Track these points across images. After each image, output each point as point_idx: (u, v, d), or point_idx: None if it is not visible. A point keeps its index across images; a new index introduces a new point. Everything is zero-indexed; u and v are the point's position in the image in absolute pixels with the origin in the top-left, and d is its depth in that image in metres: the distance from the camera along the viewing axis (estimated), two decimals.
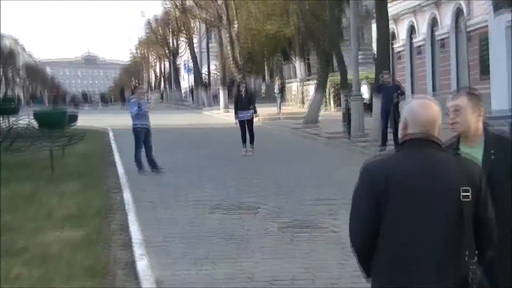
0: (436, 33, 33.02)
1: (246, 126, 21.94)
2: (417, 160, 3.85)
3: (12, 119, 23.88)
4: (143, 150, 18.07)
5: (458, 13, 31.09)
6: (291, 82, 54.93)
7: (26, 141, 19.27)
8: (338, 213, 12.04)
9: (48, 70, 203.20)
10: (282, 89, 46.98)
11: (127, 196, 13.69)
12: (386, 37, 24.37)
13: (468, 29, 27.19)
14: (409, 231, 3.76)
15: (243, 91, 22.60)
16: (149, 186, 15.68)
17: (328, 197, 13.80)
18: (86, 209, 12.30)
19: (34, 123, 20.57)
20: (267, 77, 71.72)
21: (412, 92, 35.01)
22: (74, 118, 22.79)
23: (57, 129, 19.09)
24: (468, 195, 3.77)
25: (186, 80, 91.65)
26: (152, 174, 17.62)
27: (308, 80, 53.00)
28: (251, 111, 22.10)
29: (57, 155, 18.80)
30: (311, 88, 47.74)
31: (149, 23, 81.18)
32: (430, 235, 3.74)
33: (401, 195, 3.79)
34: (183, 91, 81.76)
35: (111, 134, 28.02)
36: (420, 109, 3.95)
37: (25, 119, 22.65)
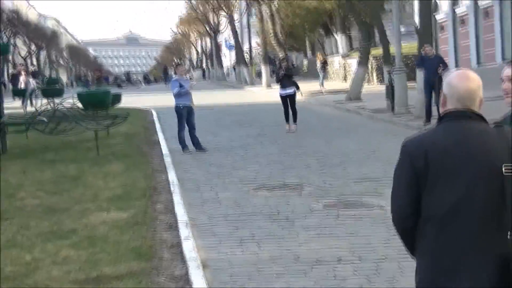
0: (480, 2, 32.55)
1: (288, 102, 21.88)
2: (456, 134, 3.79)
3: (57, 100, 24.08)
4: (186, 129, 18.12)
5: None
6: (333, 57, 54.64)
7: (71, 123, 19.42)
8: (383, 191, 11.95)
9: (91, 50, 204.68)
10: (324, 65, 46.72)
11: (171, 176, 13.74)
12: (428, 8, 24.04)
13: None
14: (450, 206, 3.72)
15: (284, 67, 22.50)
16: (193, 166, 15.73)
17: (373, 174, 13.72)
18: (131, 190, 12.38)
19: (79, 104, 20.70)
20: (308, 52, 71.44)
21: (456, 64, 34.63)
22: (117, 98, 22.86)
23: (101, 110, 19.17)
24: (510, 169, 3.69)
25: (228, 58, 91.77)
26: (196, 154, 17.66)
27: (350, 54, 52.68)
28: (293, 87, 22.02)
29: (102, 136, 18.95)
30: (353, 62, 47.44)
31: (189, 0, 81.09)
32: (471, 210, 3.69)
33: (440, 170, 3.75)
34: (225, 69, 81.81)
35: (154, 114, 28.15)
36: (458, 82, 3.87)
37: (69, 100, 22.86)
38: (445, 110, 3.88)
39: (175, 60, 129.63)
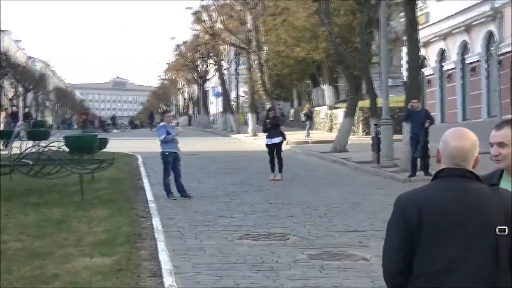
0: (467, 58, 32.92)
1: (274, 151, 21.97)
2: (451, 193, 3.79)
3: (42, 143, 24.01)
4: (172, 176, 18.12)
5: (490, 38, 30.99)
6: (320, 107, 54.93)
7: (56, 166, 19.35)
8: (368, 243, 12.00)
9: (78, 94, 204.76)
10: (310, 115, 46.99)
11: (156, 223, 13.68)
12: (416, 62, 24.29)
13: (500, 55, 27.06)
14: (443, 264, 3.71)
15: (272, 115, 22.66)
16: (178, 213, 15.69)
17: (358, 226, 13.75)
18: (115, 235, 12.31)
19: (64, 148, 20.65)
20: (295, 102, 71.82)
21: (442, 119, 34.88)
22: (104, 142, 22.84)
23: (88, 154, 19.13)
24: (504, 229, 3.70)
25: (214, 105, 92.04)
26: (180, 200, 17.64)
27: (337, 105, 52.99)
28: (280, 136, 22.13)
29: (87, 180, 18.88)
30: (339, 113, 47.72)
31: (178, 47, 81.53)
32: (464, 269, 3.69)
33: (435, 228, 3.75)
34: (211, 116, 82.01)
35: (139, 159, 28.12)
36: (453, 140, 3.87)
37: (55, 143, 22.81)
38: (440, 168, 3.90)
39: (162, 106, 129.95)
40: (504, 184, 4.36)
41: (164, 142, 18.07)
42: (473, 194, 3.77)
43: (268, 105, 41.13)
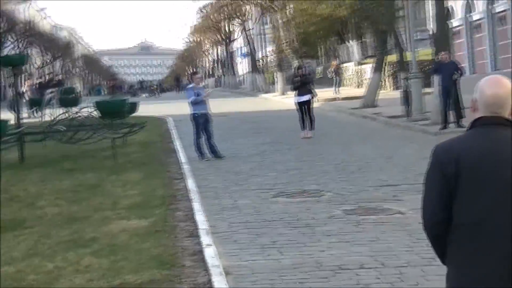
0: (494, 7, 32.44)
1: (305, 109, 21.90)
2: (488, 142, 3.73)
3: (73, 109, 24.15)
4: (204, 137, 18.11)
5: None
6: (347, 64, 54.60)
7: (88, 132, 19.46)
8: (402, 197, 11.94)
9: (105, 60, 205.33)
10: (338, 71, 46.71)
11: (190, 184, 13.72)
12: (443, 14, 23.99)
13: None
14: (478, 214, 3.67)
15: (301, 73, 22.57)
16: (211, 174, 15.71)
17: (391, 180, 13.68)
18: (150, 198, 12.37)
19: (95, 113, 20.74)
20: (322, 59, 71.43)
21: (472, 70, 34.52)
22: (134, 106, 22.91)
23: (119, 118, 19.20)
24: None
25: (241, 65, 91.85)
26: (213, 161, 17.66)
27: (364, 61, 52.62)
28: (309, 94, 22.05)
29: (119, 145, 18.97)
30: (367, 69, 47.40)
31: (202, 9, 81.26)
32: (499, 219, 3.64)
33: (471, 177, 3.70)
34: (239, 77, 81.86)
35: (170, 122, 28.19)
36: (488, 88, 3.80)
37: (85, 109, 22.92)
38: (476, 116, 3.83)
39: (188, 68, 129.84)
40: None
41: (194, 103, 18.04)
42: (508, 143, 3.71)
43: (295, 64, 40.92)
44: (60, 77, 66.12)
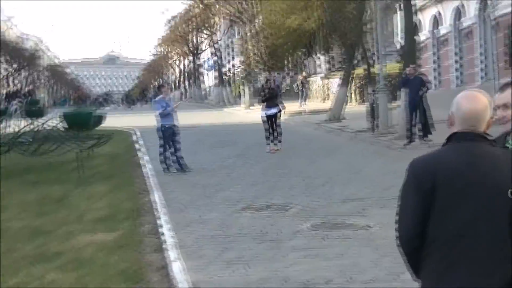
0: (461, 23, 32.80)
1: (272, 122, 21.95)
2: (464, 156, 3.78)
3: (39, 121, 23.98)
4: (170, 150, 18.06)
5: (484, 1, 30.85)
6: (314, 77, 54.82)
7: (53, 143, 19.33)
8: (369, 211, 12.01)
9: (71, 70, 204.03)
10: (304, 84, 46.90)
11: (156, 197, 13.70)
12: (411, 28, 24.22)
13: (494, 19, 26.95)
14: (457, 228, 3.71)
15: (269, 86, 22.65)
16: (177, 187, 15.68)
17: (358, 195, 13.74)
18: (116, 211, 12.33)
19: (61, 125, 20.63)
20: (289, 72, 71.61)
21: (438, 85, 34.84)
22: (101, 118, 22.82)
23: (86, 130, 19.12)
24: None
25: (208, 78, 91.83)
26: (179, 174, 17.63)
27: (331, 75, 52.85)
28: (277, 107, 22.10)
29: (85, 157, 18.86)
30: (334, 82, 47.63)
31: (171, 19, 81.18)
32: (478, 233, 3.68)
33: (449, 192, 3.74)
34: (204, 89, 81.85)
35: (136, 134, 28.09)
36: (466, 102, 3.86)
37: (51, 121, 22.76)
38: (453, 131, 3.88)
39: (155, 81, 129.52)
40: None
41: (162, 116, 18.01)
42: (486, 157, 3.77)
43: (263, 76, 41.07)
44: (30, 87, 65.64)
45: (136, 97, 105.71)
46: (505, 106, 4.46)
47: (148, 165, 18.78)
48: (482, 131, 3.84)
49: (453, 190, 3.73)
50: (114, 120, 36.85)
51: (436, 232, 3.74)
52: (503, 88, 4.59)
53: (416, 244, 3.81)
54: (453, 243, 3.71)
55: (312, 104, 47.23)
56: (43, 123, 21.66)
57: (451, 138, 3.87)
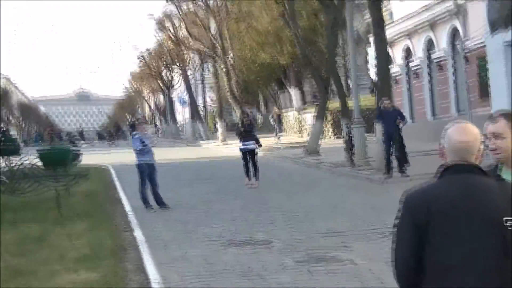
0: (433, 55, 33.16)
1: (249, 157, 21.96)
2: (457, 188, 3.82)
3: (14, 159, 23.81)
4: (148, 186, 18.02)
5: (455, 34, 31.24)
6: (288, 111, 55.01)
7: (30, 182, 19.18)
8: (352, 245, 12.00)
9: (42, 108, 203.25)
10: (279, 118, 47.04)
11: (138, 234, 13.62)
12: (385, 61, 24.41)
13: (466, 50, 27.29)
14: (452, 260, 3.73)
15: (245, 122, 22.68)
16: (158, 224, 15.60)
17: (340, 228, 13.74)
18: (98, 249, 12.22)
19: (38, 163, 20.48)
20: (262, 107, 71.83)
21: (411, 117, 35.09)
22: (77, 156, 22.71)
23: (61, 168, 18.99)
24: None
25: (181, 113, 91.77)
26: (159, 211, 17.55)
27: (305, 108, 53.09)
28: (254, 142, 22.11)
29: (62, 195, 18.72)
30: (308, 116, 47.87)
31: (142, 56, 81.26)
32: (474, 264, 3.70)
33: (444, 225, 3.77)
34: (179, 124, 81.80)
35: (113, 171, 27.97)
36: (456, 134, 3.93)
37: (26, 159, 22.60)
38: (445, 163, 3.92)
39: (128, 116, 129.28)
40: (505, 176, 4.40)
41: (140, 152, 17.97)
42: (480, 189, 3.81)
43: (237, 111, 41.14)
44: (4, 127, 65.30)
45: (111, 133, 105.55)
46: (497, 136, 4.49)
47: (127, 202, 18.69)
48: (473, 161, 3.88)
49: (447, 222, 3.76)
50: (89, 157, 36.68)
51: (432, 264, 3.77)
52: (494, 118, 4.61)
53: (412, 277, 3.83)
54: (449, 276, 3.73)
55: (288, 138, 47.36)
56: (19, 161, 21.53)
57: (443, 171, 3.91)
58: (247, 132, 22.17)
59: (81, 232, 14.11)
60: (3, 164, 23.35)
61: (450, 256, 3.74)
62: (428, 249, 3.78)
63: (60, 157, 18.90)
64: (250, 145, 21.99)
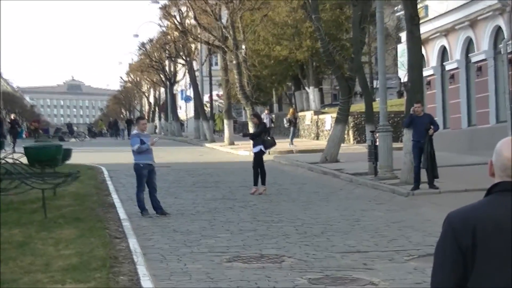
0: (472, 57, 33.08)
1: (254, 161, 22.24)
2: (506, 210, 3.80)
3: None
4: (146, 190, 18.04)
5: (497, 34, 31.16)
6: (304, 112, 54.95)
7: (15, 180, 19.20)
8: (373, 265, 12.00)
9: (28, 98, 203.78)
10: (294, 121, 46.99)
11: (133, 244, 13.62)
12: (419, 63, 24.28)
13: (510, 52, 27.23)
14: (498, 286, 3.72)
15: (255, 123, 22.88)
16: (156, 233, 15.62)
17: (361, 246, 13.74)
18: (88, 259, 12.22)
19: (22, 160, 20.50)
20: (275, 107, 71.83)
21: (444, 125, 35.02)
22: (68, 153, 22.72)
23: (51, 167, 18.99)
24: None
25: (183, 110, 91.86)
26: (157, 218, 17.58)
27: (323, 110, 53.09)
28: (260, 145, 22.24)
29: (49, 196, 18.75)
30: (327, 118, 47.87)
31: (143, 45, 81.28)
32: None
33: (489, 249, 3.75)
34: (181, 122, 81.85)
35: (105, 172, 28.01)
36: (506, 150, 3.90)
37: (10, 154, 22.66)
38: (494, 182, 3.90)
39: (124, 111, 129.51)
40: None
41: (138, 152, 17.98)
42: None
43: (247, 111, 41.15)
44: None
45: (106, 129, 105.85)
46: None
47: (121, 207, 18.70)
48: None
49: (495, 247, 3.74)
50: (79, 155, 36.74)
51: None
52: None
53: None
54: None
55: (303, 142, 47.36)
56: (3, 157, 21.56)
57: (491, 190, 3.89)
58: (254, 135, 22.45)
59: (70, 239, 14.12)
60: None
61: (495, 281, 3.73)
62: (474, 273, 3.77)
63: (49, 155, 18.89)
64: (255, 149, 22.28)
